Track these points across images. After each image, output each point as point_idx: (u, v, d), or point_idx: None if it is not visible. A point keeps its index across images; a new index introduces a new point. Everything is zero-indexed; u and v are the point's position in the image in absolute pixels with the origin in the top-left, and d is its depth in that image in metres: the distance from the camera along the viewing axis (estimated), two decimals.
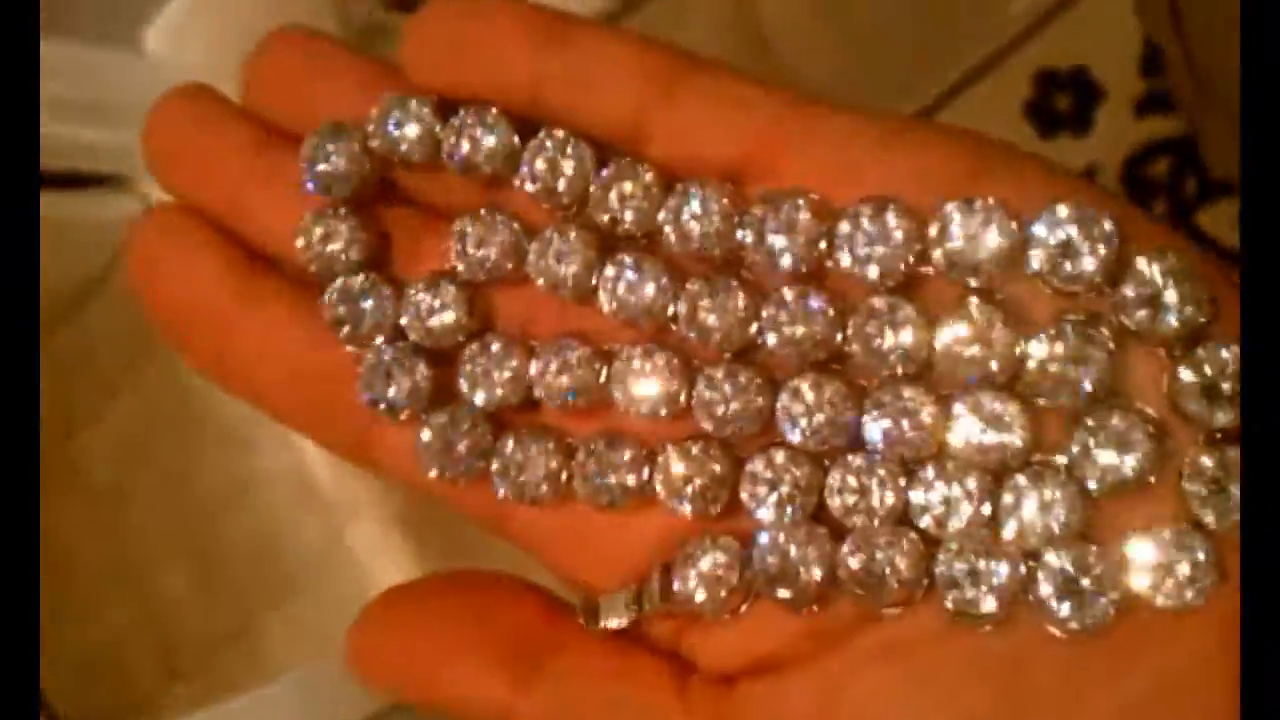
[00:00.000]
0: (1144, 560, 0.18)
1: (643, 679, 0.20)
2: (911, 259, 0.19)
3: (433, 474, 0.21)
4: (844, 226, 0.19)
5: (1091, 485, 0.19)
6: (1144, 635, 0.19)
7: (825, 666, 0.20)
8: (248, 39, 0.22)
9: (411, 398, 0.21)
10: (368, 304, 0.21)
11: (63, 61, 0.56)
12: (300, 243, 0.21)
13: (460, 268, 0.21)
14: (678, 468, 0.20)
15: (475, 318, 0.21)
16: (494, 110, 0.21)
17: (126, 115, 0.40)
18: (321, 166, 0.21)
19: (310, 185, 0.21)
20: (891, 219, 0.19)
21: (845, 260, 0.19)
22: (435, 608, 0.21)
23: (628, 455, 0.20)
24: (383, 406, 0.21)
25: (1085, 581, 0.19)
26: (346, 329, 0.21)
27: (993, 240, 0.19)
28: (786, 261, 0.20)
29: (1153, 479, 0.18)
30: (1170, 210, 0.57)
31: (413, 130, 0.21)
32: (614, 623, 0.20)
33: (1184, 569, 0.18)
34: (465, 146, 0.21)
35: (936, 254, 0.19)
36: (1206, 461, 0.18)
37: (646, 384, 0.20)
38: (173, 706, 0.50)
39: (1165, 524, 0.18)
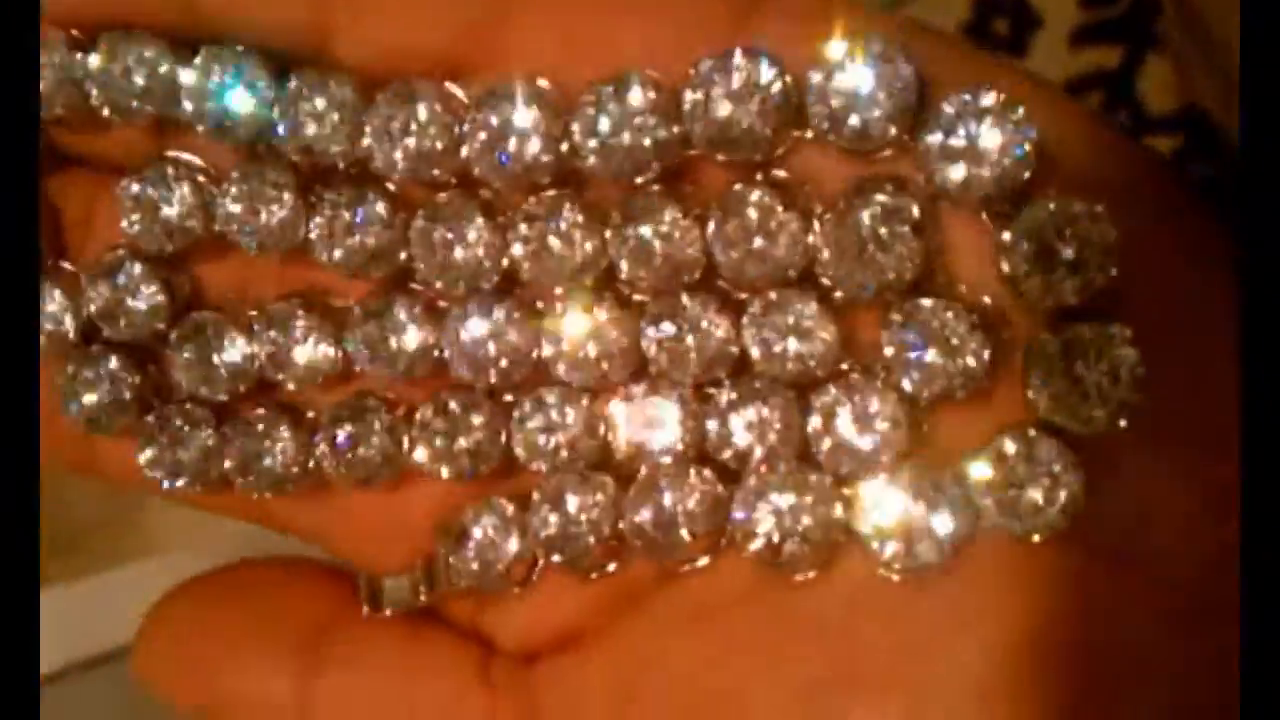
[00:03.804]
0: (987, 479, 0.14)
1: (438, 663, 0.18)
2: (667, 143, 0.15)
3: (165, 487, 0.18)
4: (581, 115, 0.16)
5: (917, 392, 0.15)
6: (997, 573, 0.15)
7: (626, 638, 0.17)
8: None
9: (114, 408, 0.18)
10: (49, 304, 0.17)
11: None
12: None
13: (141, 240, 0.17)
14: (437, 429, 0.17)
15: (177, 297, 0.18)
16: (142, 35, 0.16)
17: None
18: None
19: None
20: (635, 96, 0.15)
21: (589, 158, 0.16)
22: (217, 606, 0.19)
23: (376, 424, 0.17)
24: (87, 421, 0.18)
25: (913, 511, 0.15)
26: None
27: (755, 105, 0.15)
28: (520, 170, 0.16)
29: (988, 378, 0.15)
30: None
31: (51, 77, 0.17)
32: (397, 609, 0.18)
33: (1035, 490, 0.14)
34: (114, 86, 0.16)
35: (697, 129, 0.15)
36: (1050, 346, 0.14)
37: (408, 337, 0.17)
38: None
39: (1012, 431, 0.15)
